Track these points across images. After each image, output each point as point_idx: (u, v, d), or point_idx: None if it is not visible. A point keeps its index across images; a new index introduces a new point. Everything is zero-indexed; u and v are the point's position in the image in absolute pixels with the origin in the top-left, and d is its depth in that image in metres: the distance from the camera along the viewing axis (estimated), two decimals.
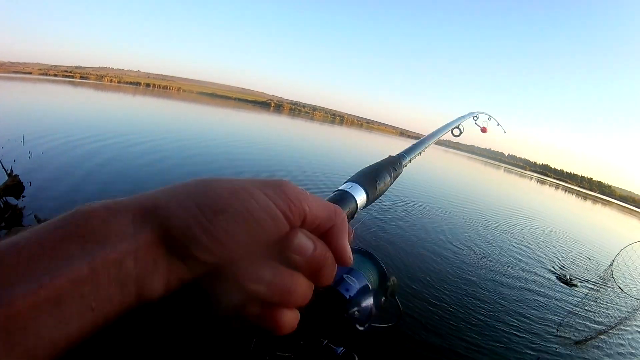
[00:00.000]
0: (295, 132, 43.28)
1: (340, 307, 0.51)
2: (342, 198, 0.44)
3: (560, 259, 10.51)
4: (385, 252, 7.23)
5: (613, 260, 8.35)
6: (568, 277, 8.70)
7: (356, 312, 0.53)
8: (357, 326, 0.52)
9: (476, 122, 2.17)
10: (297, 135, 38.22)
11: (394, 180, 0.59)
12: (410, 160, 0.72)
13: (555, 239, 13.00)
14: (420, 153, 0.81)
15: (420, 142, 0.87)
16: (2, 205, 5.78)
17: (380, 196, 0.53)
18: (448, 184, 23.53)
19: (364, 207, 0.47)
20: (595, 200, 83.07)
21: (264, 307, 0.32)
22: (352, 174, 0.51)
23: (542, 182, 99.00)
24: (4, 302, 0.21)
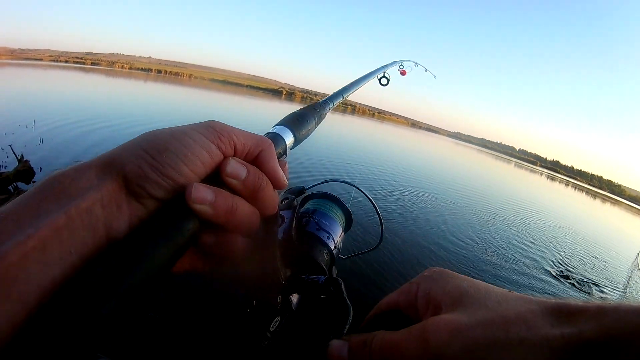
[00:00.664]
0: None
1: (326, 253, 0.56)
2: (272, 138, 0.48)
3: (569, 258, 10.41)
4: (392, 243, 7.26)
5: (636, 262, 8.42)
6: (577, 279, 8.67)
7: (339, 254, 0.60)
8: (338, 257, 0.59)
9: (400, 69, 2.24)
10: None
11: (318, 123, 0.65)
12: (333, 105, 0.77)
13: (564, 237, 12.88)
14: (342, 99, 0.85)
15: (343, 88, 0.89)
16: (12, 190, 5.84)
17: (306, 137, 0.59)
18: (457, 176, 23.32)
19: (292, 147, 0.52)
20: (604, 199, 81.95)
21: (217, 234, 0.36)
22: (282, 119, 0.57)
23: (552, 179, 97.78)
24: (2, 252, 0.24)
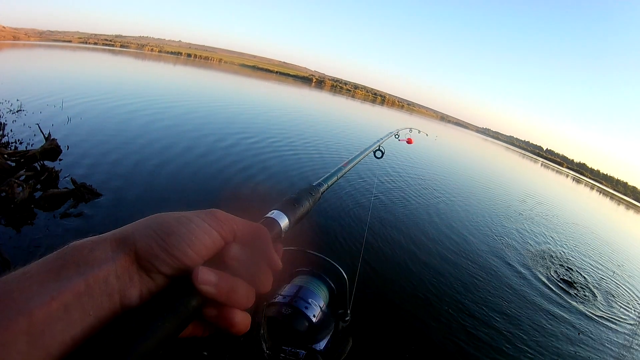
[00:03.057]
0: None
1: (306, 327, 0.71)
2: (268, 223, 0.55)
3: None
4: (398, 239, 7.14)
5: None
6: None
7: (322, 334, 0.74)
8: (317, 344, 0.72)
9: (398, 138, 2.41)
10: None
11: (313, 205, 0.68)
12: (328, 187, 0.80)
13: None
14: (338, 179, 0.88)
15: (336, 170, 0.92)
16: (38, 168, 5.89)
17: (302, 219, 0.63)
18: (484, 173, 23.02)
19: (288, 229, 0.57)
20: (628, 205, 79.17)
21: (219, 309, 0.41)
22: (278, 202, 0.62)
23: (578, 181, 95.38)
24: (26, 312, 0.29)
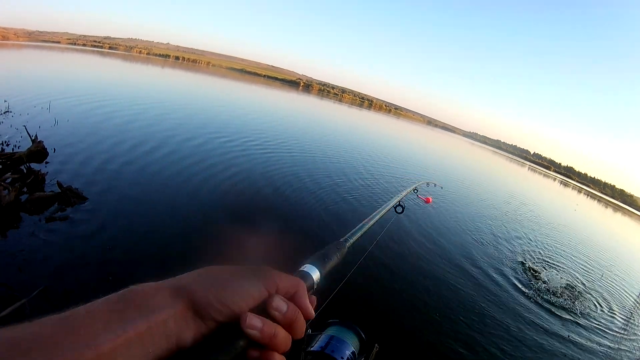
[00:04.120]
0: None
1: None
2: (303, 276, 0.60)
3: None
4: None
5: None
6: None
7: None
8: None
9: (417, 194, 2.57)
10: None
11: (340, 259, 0.74)
12: (353, 242, 0.86)
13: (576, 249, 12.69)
14: (361, 235, 0.95)
15: (361, 226, 0.99)
16: (25, 171, 5.82)
17: (330, 271, 0.69)
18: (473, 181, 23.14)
19: (319, 281, 0.62)
20: (616, 208, 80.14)
21: (261, 352, 0.46)
22: (312, 254, 0.68)
23: (566, 184, 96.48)
24: (93, 345, 0.33)
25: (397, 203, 1.66)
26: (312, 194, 8.82)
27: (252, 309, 0.46)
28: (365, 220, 1.08)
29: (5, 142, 7.20)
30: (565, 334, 5.83)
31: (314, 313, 0.53)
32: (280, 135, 15.70)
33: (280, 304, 0.48)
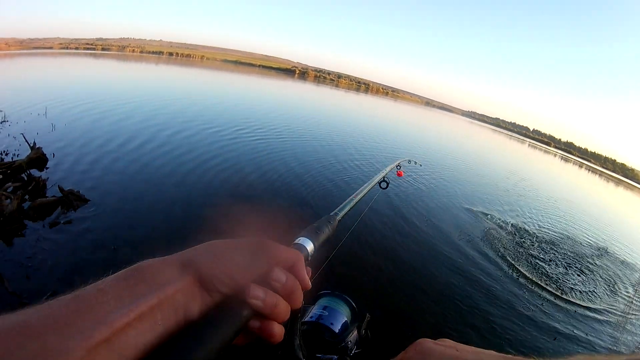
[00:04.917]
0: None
1: (332, 338, 0.88)
2: (298, 248, 0.63)
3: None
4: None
5: None
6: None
7: (348, 343, 0.89)
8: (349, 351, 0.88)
9: (397, 170, 2.68)
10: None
11: (331, 232, 0.78)
12: (343, 215, 0.91)
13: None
14: (350, 208, 0.99)
15: (349, 200, 1.04)
16: (25, 179, 5.81)
17: (323, 244, 0.72)
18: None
19: (314, 253, 0.65)
20: (618, 182, 78.99)
21: (262, 321, 0.48)
22: (305, 228, 0.71)
23: (566, 160, 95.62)
24: (106, 322, 0.34)
25: (382, 179, 1.73)
26: (300, 176, 8.95)
27: (254, 281, 0.48)
28: (353, 195, 1.12)
29: (4, 151, 7.17)
30: (559, 313, 5.81)
31: (310, 284, 0.55)
32: (273, 123, 15.66)
33: (280, 275, 0.49)
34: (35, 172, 6.19)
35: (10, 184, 5.59)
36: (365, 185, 1.33)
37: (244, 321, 0.45)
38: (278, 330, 0.49)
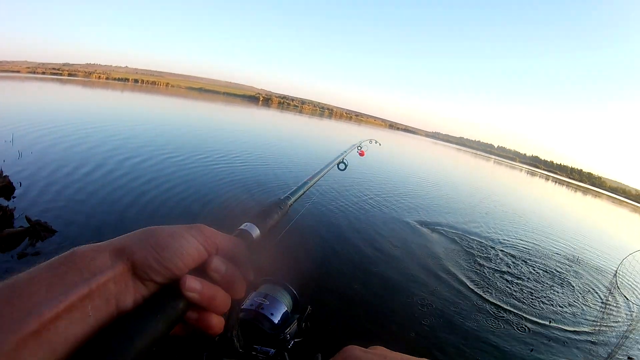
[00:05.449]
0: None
1: (271, 328, 0.82)
2: (242, 234, 0.60)
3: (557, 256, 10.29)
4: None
5: (616, 271, 8.50)
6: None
7: (287, 335, 0.84)
8: (287, 342, 0.83)
9: (358, 150, 2.58)
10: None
11: (281, 217, 0.75)
12: (295, 200, 0.87)
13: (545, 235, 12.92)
14: (304, 192, 0.96)
15: (302, 184, 0.99)
16: None
17: (272, 228, 0.69)
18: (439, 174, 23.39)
19: (259, 239, 0.62)
20: (585, 191, 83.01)
21: (199, 313, 0.47)
22: (253, 213, 0.68)
23: (532, 174, 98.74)
24: (36, 313, 0.32)
25: (341, 160, 1.68)
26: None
27: (192, 270, 0.46)
28: (308, 178, 1.07)
29: None
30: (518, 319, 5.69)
31: (252, 274, 0.54)
32: (233, 149, 15.66)
33: (219, 265, 0.48)
34: (1, 201, 6.02)
35: None
36: (322, 168, 1.28)
37: (179, 313, 0.44)
38: (217, 322, 0.48)
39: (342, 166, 1.66)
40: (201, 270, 0.47)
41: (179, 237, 0.46)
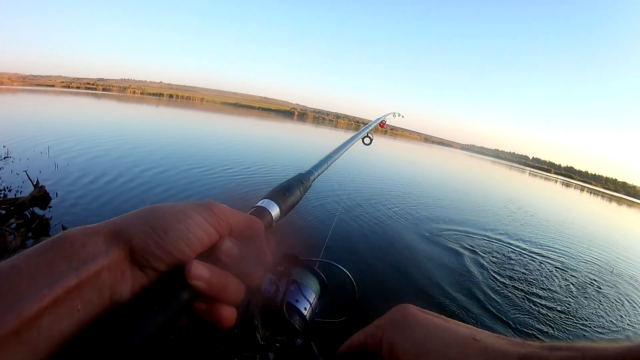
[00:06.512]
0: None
1: (299, 318, 0.67)
2: (260, 212, 0.54)
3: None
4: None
5: None
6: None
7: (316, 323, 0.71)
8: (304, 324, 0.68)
9: (381, 122, 2.46)
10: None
11: (303, 194, 0.68)
12: (318, 175, 0.80)
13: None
14: (327, 167, 0.88)
15: (326, 157, 0.92)
16: (29, 216, 5.86)
17: (293, 207, 0.63)
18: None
19: (279, 218, 0.56)
20: (620, 201, 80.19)
21: (208, 304, 0.41)
22: (272, 189, 0.62)
23: (567, 185, 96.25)
24: (16, 310, 0.28)
25: (366, 135, 1.57)
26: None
27: (199, 255, 0.40)
28: (332, 152, 0.99)
29: (8, 187, 7.26)
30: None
31: (270, 257, 0.47)
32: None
33: (231, 248, 0.42)
34: (38, 211, 6.23)
35: (13, 220, 5.64)
36: (347, 141, 1.18)
37: (184, 305, 0.38)
38: (228, 313, 0.42)
39: (367, 140, 1.56)
40: (210, 255, 0.41)
41: (184, 216, 0.40)
